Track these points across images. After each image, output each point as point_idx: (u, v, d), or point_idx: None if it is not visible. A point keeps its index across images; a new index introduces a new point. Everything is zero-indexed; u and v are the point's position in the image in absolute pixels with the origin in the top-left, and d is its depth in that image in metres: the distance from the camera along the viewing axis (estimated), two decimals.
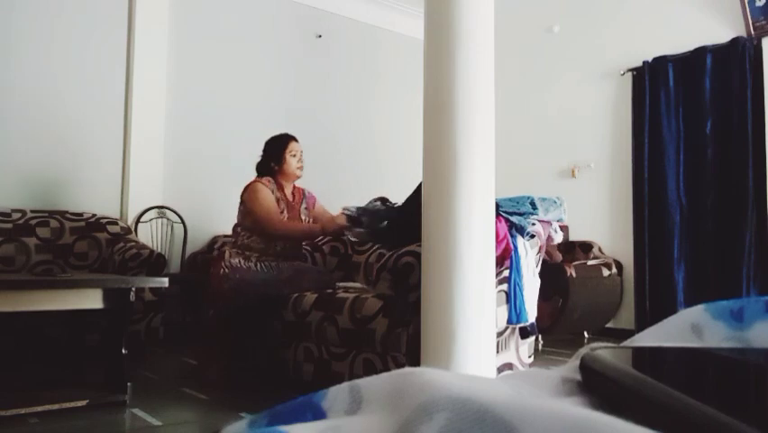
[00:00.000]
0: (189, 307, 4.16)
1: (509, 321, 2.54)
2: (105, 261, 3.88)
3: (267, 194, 3.17)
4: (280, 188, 3.28)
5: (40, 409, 2.35)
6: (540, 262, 2.83)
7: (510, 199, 2.67)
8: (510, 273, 2.53)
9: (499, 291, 2.50)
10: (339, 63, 5.73)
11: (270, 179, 3.25)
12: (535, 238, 2.77)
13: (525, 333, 2.67)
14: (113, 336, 2.69)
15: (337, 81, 5.69)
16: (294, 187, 3.38)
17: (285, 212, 3.21)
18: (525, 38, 5.79)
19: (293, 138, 3.32)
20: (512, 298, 2.53)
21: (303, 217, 3.31)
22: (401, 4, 5.98)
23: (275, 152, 3.27)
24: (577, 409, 0.27)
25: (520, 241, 2.60)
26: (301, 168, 3.30)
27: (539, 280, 2.77)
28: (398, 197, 4.45)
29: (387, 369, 2.35)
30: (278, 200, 3.21)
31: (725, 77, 4.46)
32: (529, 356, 2.77)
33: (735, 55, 4.40)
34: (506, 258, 2.49)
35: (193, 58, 4.88)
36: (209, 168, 4.82)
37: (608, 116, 5.20)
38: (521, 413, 0.26)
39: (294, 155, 3.27)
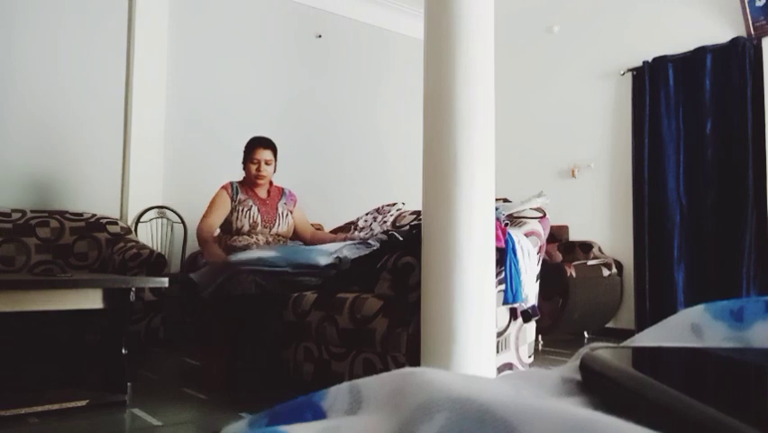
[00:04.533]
0: (189, 307, 4.15)
1: (505, 301, 2.53)
2: (105, 261, 3.88)
3: (217, 200, 3.23)
4: (249, 189, 3.31)
5: (40, 409, 2.35)
6: (540, 261, 2.83)
7: None
8: (506, 253, 2.53)
9: (499, 291, 2.49)
10: (339, 63, 5.73)
11: (234, 182, 3.31)
12: (535, 237, 2.77)
13: (526, 316, 2.66)
14: (113, 336, 2.69)
15: (337, 81, 5.69)
16: (271, 184, 3.40)
17: (251, 211, 3.21)
18: (525, 38, 5.79)
19: (260, 144, 3.28)
20: (507, 277, 2.52)
21: (280, 211, 3.31)
22: (401, 4, 5.98)
23: (244, 157, 3.33)
24: (577, 410, 0.27)
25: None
26: (261, 177, 3.26)
27: (538, 268, 2.77)
28: (398, 196, 4.46)
29: (387, 369, 2.35)
30: (241, 201, 3.22)
31: (725, 77, 4.46)
32: (529, 356, 2.76)
33: (735, 55, 4.40)
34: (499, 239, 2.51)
35: (193, 58, 4.88)
36: (209, 168, 4.82)
37: (608, 116, 5.20)
38: (521, 413, 0.26)
39: (254, 163, 3.25)
